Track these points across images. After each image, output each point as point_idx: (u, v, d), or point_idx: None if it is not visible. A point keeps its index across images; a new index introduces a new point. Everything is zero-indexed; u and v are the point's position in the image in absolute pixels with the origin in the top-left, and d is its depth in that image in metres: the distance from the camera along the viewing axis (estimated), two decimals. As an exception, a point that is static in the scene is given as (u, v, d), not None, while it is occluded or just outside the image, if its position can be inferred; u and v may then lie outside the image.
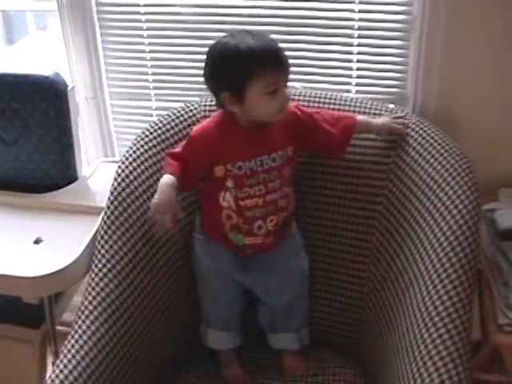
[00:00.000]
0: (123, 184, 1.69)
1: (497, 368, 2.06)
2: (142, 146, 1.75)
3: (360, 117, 1.73)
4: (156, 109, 2.23)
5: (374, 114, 1.76)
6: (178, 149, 1.64)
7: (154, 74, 2.18)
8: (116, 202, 1.67)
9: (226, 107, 1.59)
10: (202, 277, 1.77)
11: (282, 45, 1.57)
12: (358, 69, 2.00)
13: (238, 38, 1.53)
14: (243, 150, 1.60)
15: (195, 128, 1.66)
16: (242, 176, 1.60)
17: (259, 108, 1.55)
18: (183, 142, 1.65)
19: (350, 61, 1.99)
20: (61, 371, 1.44)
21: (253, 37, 1.53)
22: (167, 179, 1.56)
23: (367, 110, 1.77)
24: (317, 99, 1.81)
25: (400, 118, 1.73)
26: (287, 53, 1.55)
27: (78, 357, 1.47)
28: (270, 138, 1.63)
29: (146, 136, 1.78)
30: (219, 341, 1.81)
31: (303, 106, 1.74)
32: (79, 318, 1.54)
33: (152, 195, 1.69)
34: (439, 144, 1.65)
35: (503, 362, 1.77)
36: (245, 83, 1.51)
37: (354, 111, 1.77)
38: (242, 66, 1.51)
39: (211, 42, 2.01)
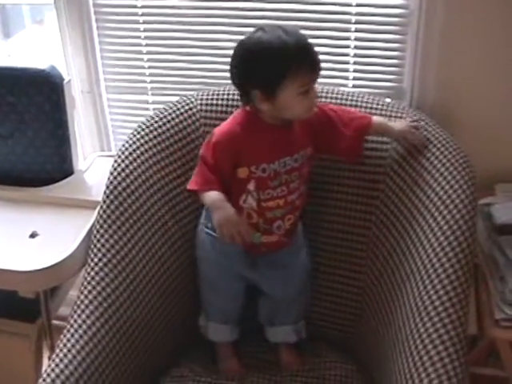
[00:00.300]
0: (119, 178, 1.69)
1: (492, 362, 2.08)
2: (139, 140, 1.75)
3: (376, 118, 1.70)
4: (152, 103, 2.22)
5: (371, 108, 1.76)
6: (208, 156, 1.57)
7: (150, 67, 2.17)
8: (112, 196, 1.67)
9: (255, 105, 1.55)
10: (207, 271, 1.76)
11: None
12: (354, 63, 1.99)
13: (270, 33, 1.50)
14: (267, 151, 1.58)
15: (218, 130, 1.60)
16: (265, 178, 1.59)
17: (291, 108, 1.53)
18: (208, 147, 1.58)
19: (346, 55, 1.99)
20: (56, 365, 1.44)
21: (286, 33, 1.49)
22: (219, 195, 1.53)
23: (364, 104, 1.76)
24: (314, 93, 1.81)
25: (415, 122, 1.69)
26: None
27: (73, 351, 1.47)
28: (293, 138, 1.61)
29: (143, 130, 1.77)
30: (218, 333, 1.81)
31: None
32: (75, 312, 1.54)
33: (148, 189, 1.70)
34: (436, 138, 1.64)
35: (499, 356, 1.77)
36: (279, 82, 1.48)
37: (350, 105, 1.77)
38: (277, 65, 1.48)
39: (208, 35, 2.03)
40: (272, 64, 1.48)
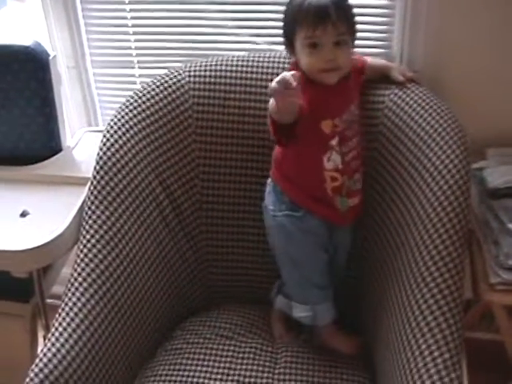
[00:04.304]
0: (109, 153, 1.67)
1: (485, 326, 2.09)
2: (127, 114, 1.73)
3: (371, 59, 1.76)
4: (139, 76, 2.20)
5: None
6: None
7: (136, 40, 2.14)
8: (102, 172, 1.65)
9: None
10: (293, 254, 1.69)
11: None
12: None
13: None
14: (340, 102, 1.60)
15: None
16: (344, 129, 1.60)
17: (302, 60, 1.56)
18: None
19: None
20: (52, 344, 1.44)
21: None
22: None
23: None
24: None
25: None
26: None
27: (68, 329, 1.47)
28: (351, 86, 1.64)
29: (131, 104, 1.75)
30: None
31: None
32: (69, 290, 1.53)
33: (138, 163, 1.70)
34: (427, 104, 1.63)
35: (492, 320, 1.78)
36: (292, 33, 1.55)
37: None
38: (292, 16, 1.56)
39: (193, 6, 2.01)
40: (290, 16, 1.57)
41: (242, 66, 1.80)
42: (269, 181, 1.71)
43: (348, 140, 1.61)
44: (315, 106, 1.53)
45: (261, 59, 1.81)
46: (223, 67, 1.81)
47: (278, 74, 1.73)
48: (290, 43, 1.59)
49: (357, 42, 1.95)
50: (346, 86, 1.62)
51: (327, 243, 1.69)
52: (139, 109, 1.74)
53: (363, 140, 1.68)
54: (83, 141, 2.10)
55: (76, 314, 1.49)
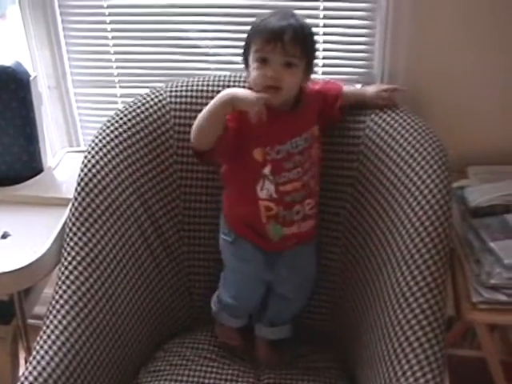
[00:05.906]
0: (90, 174, 1.66)
1: (468, 342, 2.10)
2: (108, 135, 1.72)
3: (346, 88, 1.74)
4: (121, 96, 2.19)
5: (342, 94, 1.75)
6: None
7: (117, 60, 2.14)
8: (83, 193, 1.64)
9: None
10: (229, 276, 1.78)
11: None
12: (324, 50, 1.98)
13: (269, 15, 1.59)
14: (279, 132, 1.60)
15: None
16: (280, 160, 1.60)
17: (251, 74, 1.58)
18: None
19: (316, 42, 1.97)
20: (34, 368, 1.42)
21: (281, 16, 1.56)
22: None
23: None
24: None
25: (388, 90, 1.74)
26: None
27: (50, 352, 1.45)
28: (299, 119, 1.63)
29: (112, 124, 1.75)
30: (229, 322, 1.83)
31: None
32: (50, 312, 1.52)
33: (120, 184, 1.69)
34: (408, 123, 1.64)
35: (475, 337, 1.78)
36: (248, 47, 1.59)
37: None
38: (251, 31, 1.59)
39: (174, 26, 2.01)
40: (250, 31, 1.60)
41: (223, 86, 1.80)
42: None
43: (284, 171, 1.61)
44: (247, 132, 1.56)
45: (242, 79, 1.81)
46: (204, 87, 1.81)
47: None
48: (246, 58, 1.61)
49: (338, 62, 1.99)
50: (295, 117, 1.62)
51: (266, 271, 1.71)
52: (120, 129, 1.73)
53: (318, 167, 1.68)
54: (64, 161, 2.09)
55: (58, 337, 1.48)
